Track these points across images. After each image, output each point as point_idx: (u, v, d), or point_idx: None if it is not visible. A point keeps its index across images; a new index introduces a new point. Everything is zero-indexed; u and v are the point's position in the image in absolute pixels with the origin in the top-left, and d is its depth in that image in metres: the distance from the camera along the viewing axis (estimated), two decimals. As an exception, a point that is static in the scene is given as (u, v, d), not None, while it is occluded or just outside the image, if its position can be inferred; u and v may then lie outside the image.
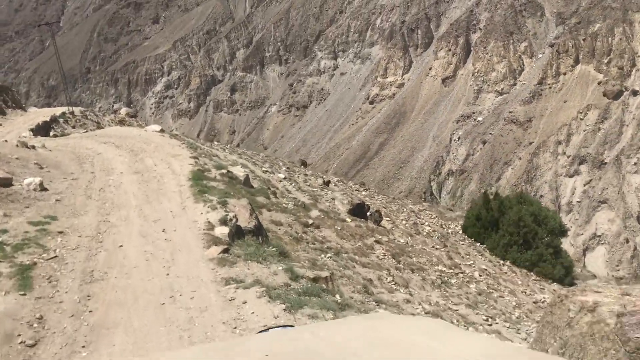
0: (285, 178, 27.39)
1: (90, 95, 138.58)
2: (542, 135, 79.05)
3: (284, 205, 20.53)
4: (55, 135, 27.21)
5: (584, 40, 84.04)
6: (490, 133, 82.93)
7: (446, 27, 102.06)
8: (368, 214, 25.63)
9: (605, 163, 72.59)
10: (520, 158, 78.54)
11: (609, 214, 68.97)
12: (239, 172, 19.69)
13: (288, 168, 33.72)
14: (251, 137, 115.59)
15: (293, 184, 26.85)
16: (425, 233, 27.95)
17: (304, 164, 44.96)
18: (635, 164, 70.71)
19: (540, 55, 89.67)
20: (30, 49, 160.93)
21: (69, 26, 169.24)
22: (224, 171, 17.84)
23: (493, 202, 30.66)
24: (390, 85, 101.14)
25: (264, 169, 28.22)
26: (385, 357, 3.93)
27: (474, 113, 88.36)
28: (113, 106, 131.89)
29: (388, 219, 27.96)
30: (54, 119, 30.57)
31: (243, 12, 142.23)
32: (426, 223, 31.15)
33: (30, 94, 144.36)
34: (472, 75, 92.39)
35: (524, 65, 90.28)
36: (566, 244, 69.10)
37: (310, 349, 4.26)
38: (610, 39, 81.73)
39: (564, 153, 76.40)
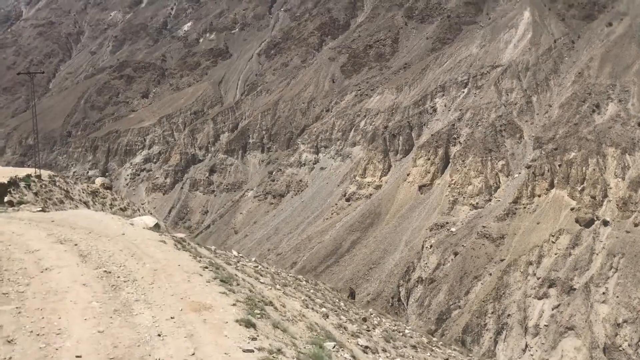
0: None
1: (67, 158, 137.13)
2: (514, 253, 79.17)
3: None
4: (10, 203, 22.41)
5: (559, 166, 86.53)
6: (463, 245, 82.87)
7: (427, 137, 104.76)
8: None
9: (575, 289, 72.38)
10: (490, 274, 78.06)
11: (575, 342, 67.83)
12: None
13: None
14: (223, 219, 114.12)
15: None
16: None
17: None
18: (603, 293, 70.60)
19: (517, 175, 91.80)
20: (15, 106, 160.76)
21: (58, 89, 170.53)
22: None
23: None
24: (368, 185, 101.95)
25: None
26: None
27: (447, 223, 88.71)
28: (88, 172, 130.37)
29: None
30: (13, 182, 25.82)
31: (233, 98, 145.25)
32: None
33: (6, 150, 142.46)
34: (449, 186, 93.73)
35: (500, 182, 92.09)
36: (531, 368, 67.40)
37: None
38: (584, 168, 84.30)
39: (534, 274, 76.22)
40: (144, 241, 15.21)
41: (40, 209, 20.02)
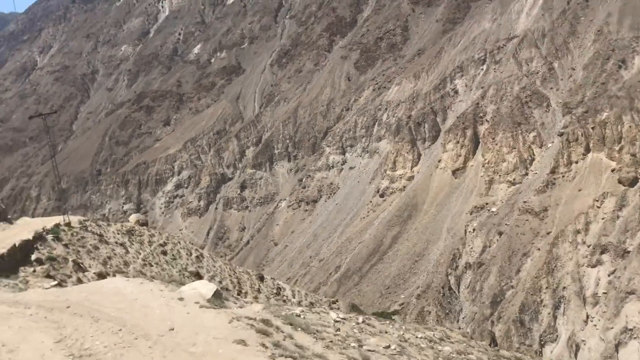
0: None
1: (101, 196, 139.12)
2: (560, 224, 77.11)
3: None
4: (38, 261, 20.38)
5: (592, 128, 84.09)
6: (506, 224, 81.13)
7: (453, 120, 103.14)
8: None
9: (629, 252, 69.98)
10: (539, 249, 76.17)
11: (638, 305, 65.55)
12: None
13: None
14: (261, 233, 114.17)
15: None
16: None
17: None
18: (660, 251, 68.15)
19: (550, 145, 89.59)
20: (42, 153, 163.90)
21: (82, 130, 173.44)
22: None
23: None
24: (400, 177, 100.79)
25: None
26: None
27: (487, 204, 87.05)
28: (123, 207, 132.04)
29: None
30: (39, 236, 23.30)
31: (252, 112, 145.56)
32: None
33: (41, 197, 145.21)
34: (483, 166, 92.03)
35: (534, 154, 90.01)
36: (596, 339, 65.38)
37: None
38: (619, 126, 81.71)
39: (584, 242, 74.05)
40: (208, 342, 10.32)
41: (56, 283, 16.11)
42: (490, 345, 33.87)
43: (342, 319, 17.84)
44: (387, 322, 22.11)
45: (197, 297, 13.23)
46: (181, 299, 13.06)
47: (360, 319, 18.97)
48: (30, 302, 12.37)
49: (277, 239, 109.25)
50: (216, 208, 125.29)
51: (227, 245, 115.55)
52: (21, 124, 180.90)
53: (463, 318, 74.92)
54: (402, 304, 76.43)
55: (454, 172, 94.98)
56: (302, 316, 16.02)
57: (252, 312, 13.52)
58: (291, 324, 13.26)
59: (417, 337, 19.23)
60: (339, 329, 15.57)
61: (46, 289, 14.56)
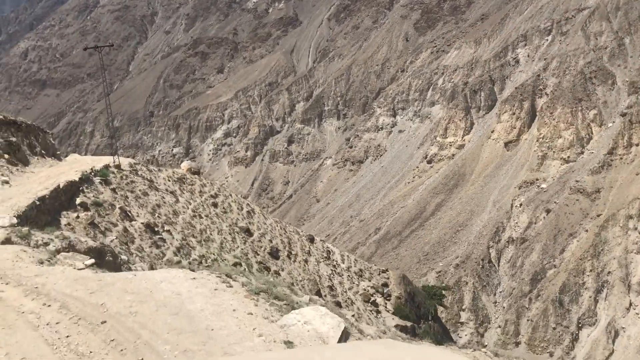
0: None
1: (152, 138, 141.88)
2: (612, 207, 74.54)
3: None
4: (82, 205, 18.75)
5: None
6: (555, 202, 78.97)
7: (511, 90, 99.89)
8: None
9: (682, 242, 67.38)
10: (586, 230, 74.03)
11: (685, 298, 63.42)
12: None
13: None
14: (304, 188, 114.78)
15: None
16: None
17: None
18: None
19: (611, 125, 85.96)
20: (99, 90, 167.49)
21: (138, 71, 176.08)
22: None
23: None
24: (450, 145, 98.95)
25: None
26: None
27: (537, 180, 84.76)
28: (172, 150, 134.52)
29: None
30: (87, 178, 21.45)
31: (305, 66, 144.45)
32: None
33: (95, 133, 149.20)
34: (537, 140, 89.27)
35: (592, 133, 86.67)
36: (637, 328, 63.76)
37: None
38: (688, 111, 77.58)
39: (636, 228, 71.50)
40: None
41: (92, 262, 11.57)
42: None
43: None
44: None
45: (313, 337, 8.77)
46: (289, 342, 8.76)
47: None
48: (53, 293, 9.26)
49: (320, 195, 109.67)
50: (262, 160, 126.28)
51: (270, 197, 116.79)
52: (80, 59, 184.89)
53: (500, 292, 74.17)
54: (440, 271, 76.07)
55: (506, 144, 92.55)
56: None
57: None
58: None
59: None
60: None
61: (79, 269, 10.88)
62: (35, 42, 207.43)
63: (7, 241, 11.85)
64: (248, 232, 29.12)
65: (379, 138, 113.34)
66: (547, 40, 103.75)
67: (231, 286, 10.96)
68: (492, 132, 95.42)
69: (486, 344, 66.94)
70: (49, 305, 8.68)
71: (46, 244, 12.34)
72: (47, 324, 8.17)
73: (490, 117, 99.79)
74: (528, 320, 68.37)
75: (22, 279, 9.69)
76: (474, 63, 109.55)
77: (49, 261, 11.05)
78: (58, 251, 12.10)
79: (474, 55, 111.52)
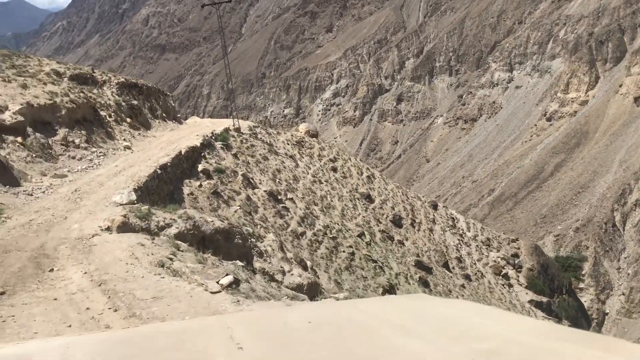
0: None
1: (264, 99, 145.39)
2: None
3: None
4: (205, 172, 18.16)
5: None
6: (693, 162, 71.98)
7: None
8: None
9: None
10: None
11: None
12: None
13: None
14: (413, 148, 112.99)
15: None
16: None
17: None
18: None
19: None
20: (214, 53, 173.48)
21: (250, 33, 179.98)
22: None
23: None
24: (572, 101, 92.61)
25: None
26: (441, 327, 3.61)
27: (672, 138, 77.50)
28: (284, 111, 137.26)
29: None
30: (208, 143, 21.16)
31: (416, 21, 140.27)
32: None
33: (211, 95, 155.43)
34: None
35: None
36: None
37: (353, 319, 4.19)
38: None
39: None
40: None
41: (229, 282, 8.22)
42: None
43: None
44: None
45: None
46: None
47: None
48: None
49: (430, 155, 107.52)
50: (371, 119, 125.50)
51: (379, 157, 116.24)
52: (196, 23, 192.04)
53: (625, 258, 69.45)
54: (558, 235, 72.43)
55: (636, 100, 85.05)
56: None
57: None
58: None
59: None
60: None
61: (213, 292, 7.80)
62: (155, 9, 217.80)
63: (124, 225, 10.24)
64: (369, 198, 28.24)
65: (494, 95, 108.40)
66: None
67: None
68: (620, 86, 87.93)
69: (607, 311, 63.42)
70: None
71: (168, 226, 10.81)
72: None
73: (618, 70, 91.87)
74: (657, 289, 63.74)
75: (135, 304, 7.29)
76: (601, 11, 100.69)
77: (169, 268, 8.63)
78: (182, 236, 10.60)
79: (601, 2, 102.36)
